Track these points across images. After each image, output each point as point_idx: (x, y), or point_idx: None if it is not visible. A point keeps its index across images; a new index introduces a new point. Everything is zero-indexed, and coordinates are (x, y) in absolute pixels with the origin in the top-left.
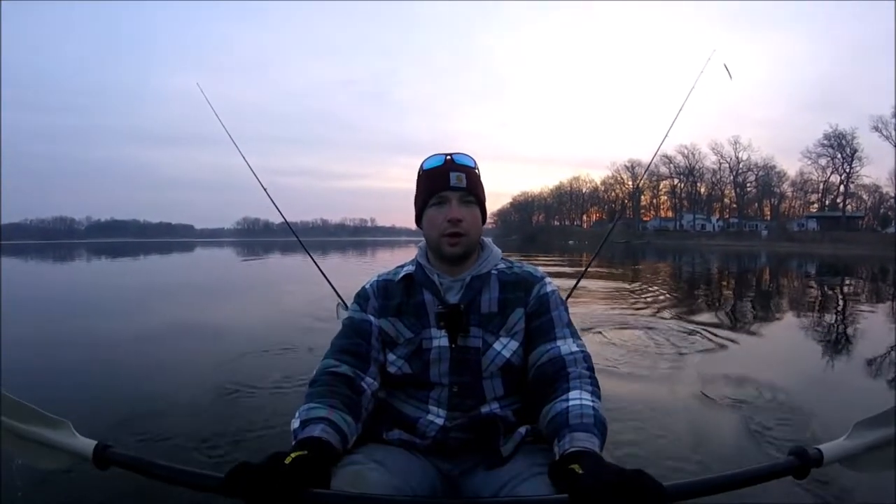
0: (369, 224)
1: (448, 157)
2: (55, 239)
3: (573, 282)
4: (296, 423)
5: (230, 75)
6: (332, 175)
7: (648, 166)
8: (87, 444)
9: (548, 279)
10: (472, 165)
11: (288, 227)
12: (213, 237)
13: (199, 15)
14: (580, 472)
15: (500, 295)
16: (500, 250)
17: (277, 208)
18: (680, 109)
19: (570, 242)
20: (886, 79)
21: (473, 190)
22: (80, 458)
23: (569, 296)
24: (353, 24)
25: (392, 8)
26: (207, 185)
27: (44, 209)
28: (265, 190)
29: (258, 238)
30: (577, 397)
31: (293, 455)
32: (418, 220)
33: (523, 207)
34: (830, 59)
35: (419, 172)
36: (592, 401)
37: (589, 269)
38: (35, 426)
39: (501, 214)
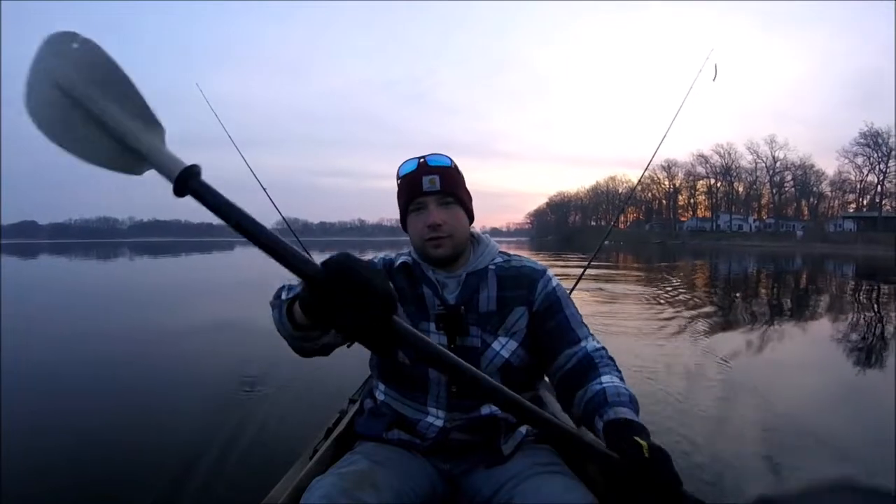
0: None
1: (421, 161)
2: (98, 238)
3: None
4: (287, 294)
5: (271, 77)
6: (371, 175)
7: (649, 164)
8: (175, 162)
9: (550, 273)
10: (448, 164)
11: (287, 226)
12: None
13: (242, 17)
14: (646, 447)
15: (498, 293)
16: (497, 245)
17: (277, 207)
18: (680, 107)
19: (606, 243)
20: None
21: (450, 190)
22: (158, 175)
23: (573, 288)
24: (393, 27)
25: (432, 10)
26: (246, 185)
27: (88, 210)
28: (264, 189)
29: (299, 238)
30: (610, 380)
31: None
32: (404, 226)
33: (559, 208)
34: (874, 53)
35: (397, 178)
36: (623, 384)
37: (626, 267)
38: (131, 119)
39: (538, 214)
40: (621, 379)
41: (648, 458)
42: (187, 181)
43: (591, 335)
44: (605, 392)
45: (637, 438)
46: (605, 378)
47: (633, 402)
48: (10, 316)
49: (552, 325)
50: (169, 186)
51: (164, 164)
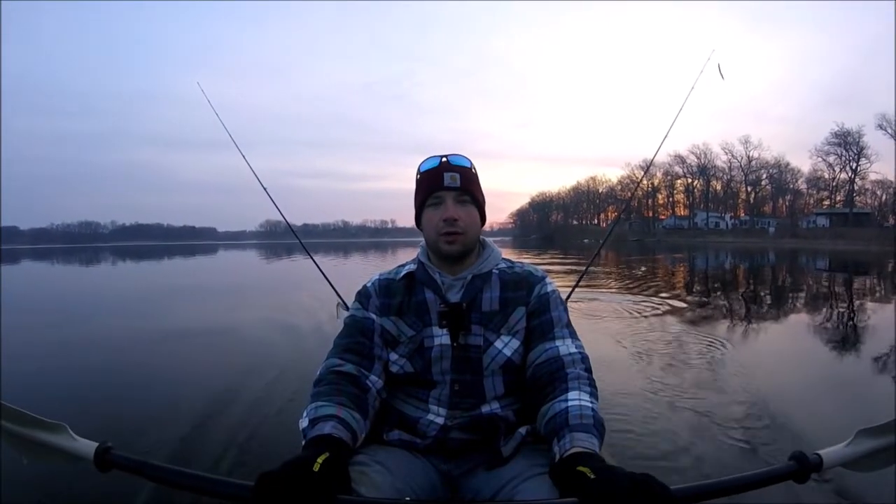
0: (390, 225)
1: (443, 159)
2: (80, 243)
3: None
4: (304, 423)
5: (248, 79)
6: (352, 177)
7: (648, 168)
8: (88, 445)
9: (549, 279)
10: (468, 165)
11: (289, 228)
12: (235, 239)
13: (217, 19)
14: (591, 476)
15: (501, 293)
16: (500, 250)
17: (278, 208)
18: (679, 110)
19: (585, 241)
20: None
21: (468, 189)
22: (80, 461)
23: (569, 296)
24: (371, 27)
25: (410, 9)
26: (228, 188)
27: (69, 214)
28: (265, 190)
29: (280, 240)
30: (577, 398)
31: (320, 460)
32: (418, 221)
33: (541, 207)
34: (852, 54)
35: (417, 174)
36: (591, 401)
37: (607, 258)
38: (34, 431)
39: (520, 214)
40: (591, 393)
41: (595, 479)
42: (104, 457)
43: (572, 338)
44: (568, 413)
45: (580, 468)
46: (571, 395)
47: (596, 425)
48: None
49: (536, 323)
50: (157, 186)
51: (79, 450)
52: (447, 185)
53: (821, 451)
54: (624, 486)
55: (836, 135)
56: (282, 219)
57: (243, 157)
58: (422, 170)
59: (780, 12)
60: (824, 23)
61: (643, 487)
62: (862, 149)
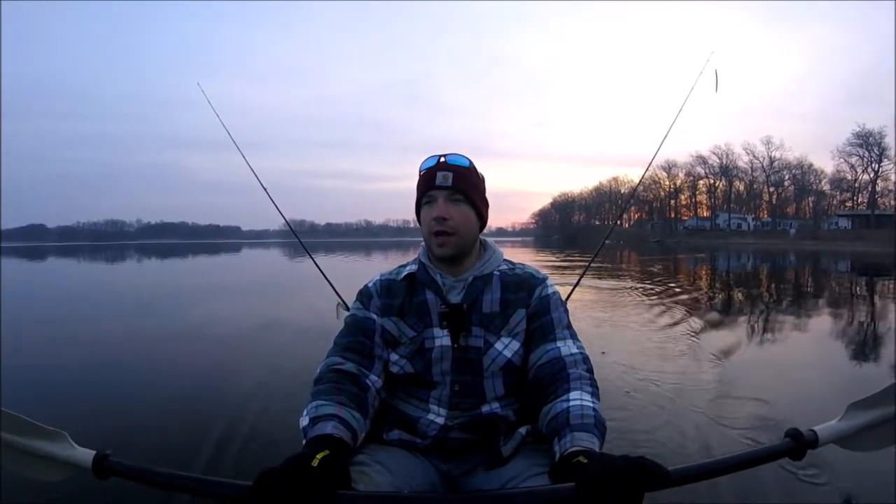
0: (411, 224)
1: (441, 158)
2: (106, 241)
3: (585, 279)
4: (304, 421)
5: (269, 82)
6: (373, 177)
7: (648, 167)
8: (86, 454)
9: (549, 281)
10: (466, 165)
11: (288, 227)
12: (259, 238)
13: (238, 23)
14: (585, 461)
15: (501, 295)
16: (502, 252)
17: (277, 207)
18: (679, 110)
19: (607, 242)
20: None
21: (461, 188)
22: (79, 469)
23: (568, 296)
24: (389, 29)
25: (427, 10)
26: (251, 188)
27: (96, 214)
28: (265, 189)
29: (303, 239)
30: (578, 398)
31: (319, 456)
32: (419, 219)
33: (563, 207)
34: (872, 51)
35: (419, 174)
36: (592, 401)
37: (629, 258)
38: (33, 439)
39: (542, 214)
40: (592, 393)
41: (589, 463)
42: (102, 464)
43: (573, 339)
44: (569, 413)
45: (578, 458)
46: (573, 395)
47: (597, 424)
48: None
49: (536, 325)
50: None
51: (77, 459)
52: (438, 184)
53: (815, 428)
54: (619, 466)
55: (857, 136)
56: (297, 219)
57: (242, 156)
58: (421, 169)
59: (802, 10)
60: (843, 20)
61: (639, 468)
62: (884, 150)
